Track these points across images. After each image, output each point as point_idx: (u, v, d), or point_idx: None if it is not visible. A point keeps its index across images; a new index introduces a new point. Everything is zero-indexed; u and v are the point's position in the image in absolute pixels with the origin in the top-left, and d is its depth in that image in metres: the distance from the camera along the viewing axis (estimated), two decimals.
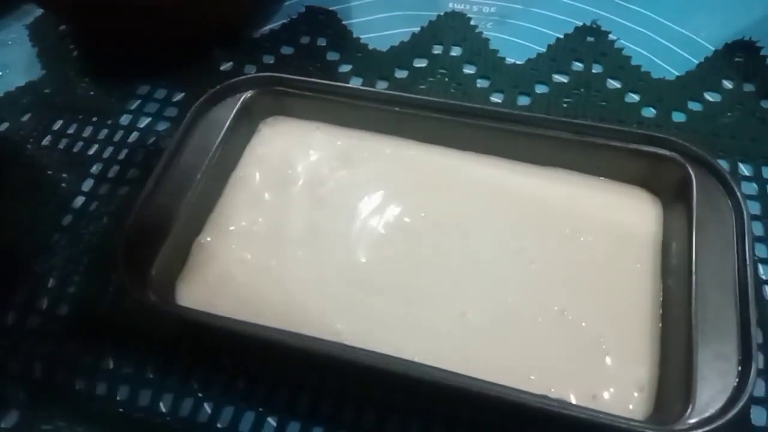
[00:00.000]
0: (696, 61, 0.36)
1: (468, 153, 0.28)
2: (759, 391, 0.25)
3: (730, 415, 0.19)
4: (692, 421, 0.19)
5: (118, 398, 0.26)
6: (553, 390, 0.21)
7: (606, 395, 0.21)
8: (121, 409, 0.26)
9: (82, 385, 0.26)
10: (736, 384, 0.20)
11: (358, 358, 0.21)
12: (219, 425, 0.25)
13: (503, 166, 0.28)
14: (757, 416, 0.24)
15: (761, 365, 0.25)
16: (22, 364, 0.27)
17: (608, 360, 0.22)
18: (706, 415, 0.20)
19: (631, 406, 0.21)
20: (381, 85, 0.36)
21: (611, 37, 0.37)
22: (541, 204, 0.27)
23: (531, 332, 0.23)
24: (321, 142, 0.29)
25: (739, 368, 0.20)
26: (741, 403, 0.19)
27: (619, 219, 0.26)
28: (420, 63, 0.37)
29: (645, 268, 0.25)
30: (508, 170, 0.28)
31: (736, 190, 0.24)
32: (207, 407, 0.26)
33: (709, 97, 0.34)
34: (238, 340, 0.25)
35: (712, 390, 0.20)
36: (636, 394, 0.21)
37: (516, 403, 0.20)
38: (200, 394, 0.26)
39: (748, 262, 0.22)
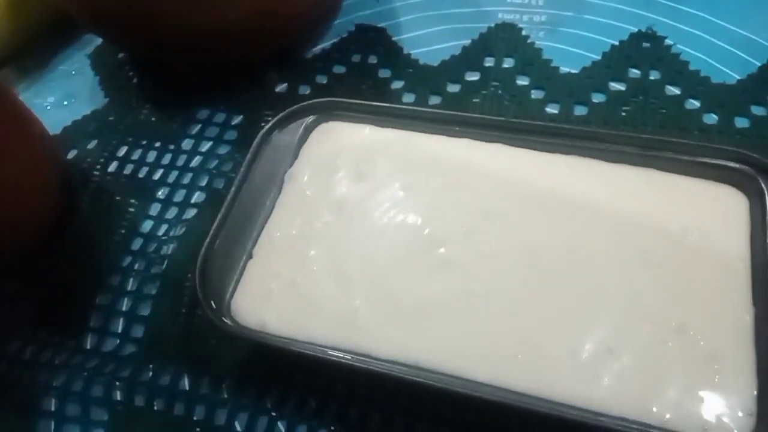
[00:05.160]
0: (758, 64, 0.35)
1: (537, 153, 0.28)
2: None
3: None
4: None
5: (195, 418, 0.27)
6: (668, 417, 0.21)
7: (717, 423, 0.20)
8: (198, 429, 0.27)
9: (161, 406, 0.27)
10: None
11: (435, 383, 0.22)
12: None
13: (577, 165, 0.27)
14: None
15: None
16: (104, 387, 0.28)
17: (721, 381, 0.21)
18: None
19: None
20: (434, 100, 0.36)
21: (667, 42, 0.36)
22: (636, 203, 0.25)
23: (653, 353, 0.22)
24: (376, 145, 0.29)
25: None
26: None
27: (715, 214, 0.25)
28: (472, 76, 0.37)
29: (746, 269, 0.23)
30: (587, 167, 0.27)
31: None
32: (281, 425, 0.26)
33: None
34: (310, 364, 0.26)
35: None
36: (745, 420, 0.20)
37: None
38: (274, 413, 0.27)
39: None
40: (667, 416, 0.21)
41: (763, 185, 0.25)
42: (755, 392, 0.21)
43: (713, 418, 0.21)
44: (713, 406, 0.21)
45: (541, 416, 0.21)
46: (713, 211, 0.25)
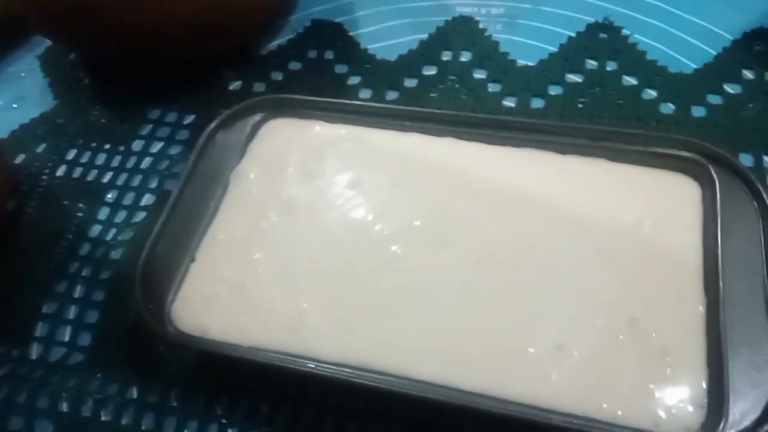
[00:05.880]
0: (714, 53, 0.35)
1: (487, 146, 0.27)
2: None
3: (765, 427, 0.19)
4: None
5: (143, 427, 0.26)
6: (620, 413, 0.20)
7: (667, 418, 0.20)
8: None
9: (108, 416, 0.26)
10: None
11: (386, 386, 0.21)
12: None
13: (528, 158, 0.27)
14: None
15: None
16: (50, 398, 0.27)
17: (673, 375, 0.21)
18: (741, 428, 0.19)
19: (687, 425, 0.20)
20: (391, 96, 0.35)
21: (624, 32, 0.36)
22: (589, 194, 0.25)
23: (604, 348, 0.22)
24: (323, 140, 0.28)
25: None
26: None
27: (668, 204, 0.25)
28: (429, 71, 0.36)
29: (699, 260, 0.23)
30: (538, 159, 0.26)
31: (761, 191, 0.23)
32: None
33: (729, 89, 0.33)
34: (259, 369, 0.25)
35: (745, 402, 0.20)
36: (695, 414, 0.20)
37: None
38: (224, 420, 0.26)
39: None
40: (619, 412, 0.20)
41: (713, 173, 0.24)
42: (706, 384, 0.20)
43: (665, 413, 0.20)
44: (665, 400, 0.21)
45: (489, 414, 0.20)
46: (666, 200, 0.25)
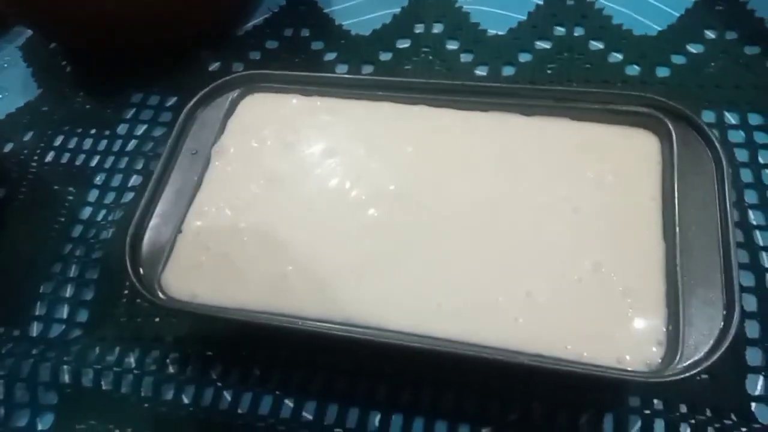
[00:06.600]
0: (677, 14, 0.36)
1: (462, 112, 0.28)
2: (753, 333, 0.25)
3: (716, 356, 0.20)
4: (681, 366, 0.20)
5: (142, 394, 0.28)
6: (585, 354, 0.22)
7: (629, 356, 0.21)
8: (146, 404, 0.27)
9: (108, 385, 0.28)
10: (721, 327, 0.21)
11: (368, 337, 0.22)
12: (239, 411, 0.26)
13: (496, 120, 0.28)
14: (753, 357, 0.25)
15: (754, 308, 0.26)
16: (51, 371, 0.28)
17: (634, 315, 0.22)
18: (695, 359, 0.20)
19: (647, 361, 0.21)
20: (366, 70, 0.36)
21: None
22: (554, 152, 0.26)
23: (569, 293, 0.23)
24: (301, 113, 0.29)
25: (724, 312, 0.21)
26: (726, 345, 0.20)
27: (628, 157, 0.26)
28: (403, 44, 0.37)
29: (657, 208, 0.24)
30: (505, 122, 0.27)
31: (714, 141, 0.25)
32: (227, 395, 0.27)
33: (692, 49, 0.34)
34: (247, 330, 0.26)
35: (699, 335, 0.21)
36: (655, 349, 0.21)
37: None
38: (219, 384, 0.27)
39: (728, 209, 0.23)
40: (584, 352, 0.22)
41: (671, 127, 0.26)
42: (664, 322, 0.22)
43: (626, 350, 0.22)
44: (626, 338, 0.22)
45: (464, 358, 0.22)
46: (627, 153, 0.26)
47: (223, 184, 0.27)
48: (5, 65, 0.41)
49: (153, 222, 0.26)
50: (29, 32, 0.42)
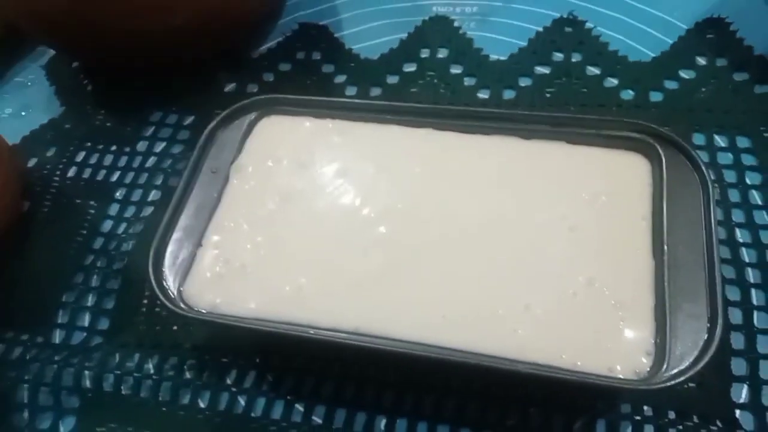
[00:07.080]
0: (670, 41, 0.38)
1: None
2: (738, 344, 0.27)
3: (699, 366, 0.22)
4: (668, 374, 0.22)
5: (160, 398, 0.29)
6: (579, 363, 0.23)
7: (620, 365, 0.23)
8: (164, 408, 0.29)
9: (128, 390, 0.29)
10: (705, 339, 0.22)
11: (376, 346, 0.24)
12: (253, 414, 0.28)
13: (498, 144, 0.29)
14: (738, 367, 0.26)
15: (740, 321, 0.28)
16: (73, 376, 0.30)
17: (624, 327, 0.24)
18: (680, 368, 0.22)
19: (637, 370, 0.23)
20: (375, 92, 0.38)
21: (588, 25, 0.39)
22: (552, 174, 0.28)
23: (564, 306, 0.24)
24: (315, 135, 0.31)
25: (708, 325, 0.23)
26: (709, 356, 0.22)
27: (620, 180, 0.27)
28: (409, 67, 0.39)
29: (648, 228, 0.26)
30: (506, 145, 0.29)
31: (701, 164, 0.26)
32: (241, 400, 0.28)
33: (684, 74, 0.36)
34: (263, 339, 0.28)
35: (685, 346, 0.23)
36: (644, 359, 0.23)
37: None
38: (234, 389, 0.29)
39: (713, 228, 0.25)
40: (578, 361, 0.23)
41: (660, 151, 0.27)
42: (652, 334, 0.24)
43: (617, 360, 0.23)
44: (617, 348, 0.24)
45: (465, 366, 0.23)
46: (619, 176, 0.28)
47: (241, 200, 0.29)
48: (29, 84, 0.43)
49: (175, 235, 0.28)
50: (52, 52, 0.44)
